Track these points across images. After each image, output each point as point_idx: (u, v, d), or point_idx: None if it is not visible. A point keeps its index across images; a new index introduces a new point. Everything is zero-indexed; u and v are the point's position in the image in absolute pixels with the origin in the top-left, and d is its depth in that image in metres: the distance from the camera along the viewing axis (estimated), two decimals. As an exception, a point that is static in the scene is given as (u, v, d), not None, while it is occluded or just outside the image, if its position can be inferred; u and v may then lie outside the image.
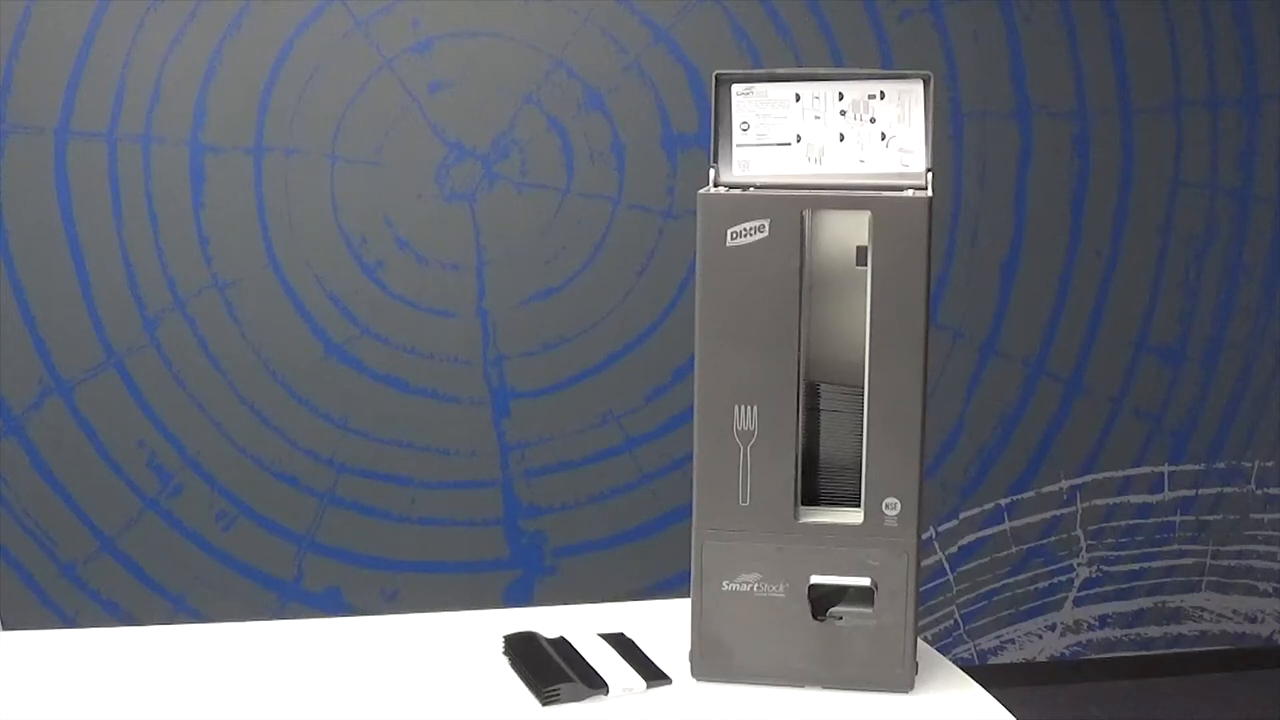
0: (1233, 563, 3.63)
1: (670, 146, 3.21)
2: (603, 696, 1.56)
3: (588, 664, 1.61)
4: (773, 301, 1.52)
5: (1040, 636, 3.58)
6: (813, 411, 1.60)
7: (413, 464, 3.22)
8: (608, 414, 3.28)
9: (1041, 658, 3.58)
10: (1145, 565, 3.59)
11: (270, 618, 3.09)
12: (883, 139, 1.58)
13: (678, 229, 3.22)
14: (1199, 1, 3.38)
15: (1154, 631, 3.62)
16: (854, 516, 1.56)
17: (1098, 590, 3.58)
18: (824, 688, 1.58)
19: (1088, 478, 3.53)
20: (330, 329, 3.15)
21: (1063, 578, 3.56)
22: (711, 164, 1.62)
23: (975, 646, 3.54)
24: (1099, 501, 3.54)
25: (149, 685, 1.60)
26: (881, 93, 1.59)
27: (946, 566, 3.50)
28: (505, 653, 1.66)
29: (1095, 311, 3.45)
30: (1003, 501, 3.50)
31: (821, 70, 1.60)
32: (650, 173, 3.21)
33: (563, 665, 1.60)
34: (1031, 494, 3.51)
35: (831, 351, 1.60)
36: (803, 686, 1.58)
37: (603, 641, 1.68)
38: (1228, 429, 3.57)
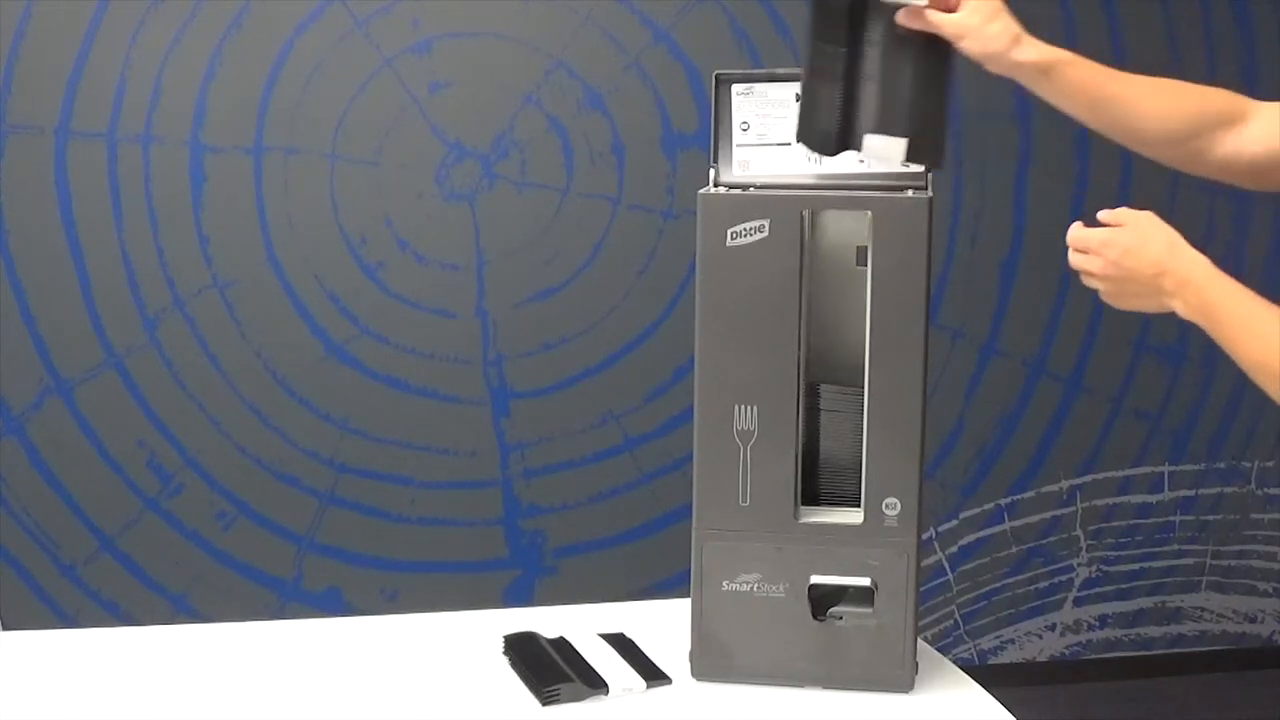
0: (1233, 563, 3.63)
1: (670, 146, 3.21)
2: (603, 696, 1.56)
3: (588, 664, 1.61)
4: (773, 301, 1.53)
5: (1040, 636, 3.57)
6: (813, 411, 1.60)
7: (413, 464, 3.22)
8: (608, 414, 3.28)
9: (1041, 658, 3.58)
10: (1145, 565, 3.59)
11: (270, 618, 3.09)
12: (883, 139, 1.58)
13: (678, 229, 3.22)
14: (1199, 1, 3.38)
15: (1154, 631, 3.62)
16: (854, 516, 1.56)
17: (1098, 590, 3.58)
18: (824, 688, 1.58)
19: (1088, 478, 3.53)
20: (330, 329, 3.14)
21: (1063, 578, 3.56)
22: (711, 164, 1.62)
23: (975, 646, 3.54)
24: (1099, 501, 3.54)
25: (149, 685, 1.60)
26: (881, 93, 1.59)
27: (946, 566, 3.50)
28: (505, 653, 1.66)
29: (1095, 312, 3.45)
30: (1003, 501, 3.50)
31: (821, 70, 1.60)
32: (650, 173, 3.21)
33: (563, 665, 1.60)
34: (1031, 494, 3.51)
35: (831, 351, 1.60)
36: (803, 686, 1.58)
37: (603, 641, 1.68)
38: (1228, 429, 3.56)
